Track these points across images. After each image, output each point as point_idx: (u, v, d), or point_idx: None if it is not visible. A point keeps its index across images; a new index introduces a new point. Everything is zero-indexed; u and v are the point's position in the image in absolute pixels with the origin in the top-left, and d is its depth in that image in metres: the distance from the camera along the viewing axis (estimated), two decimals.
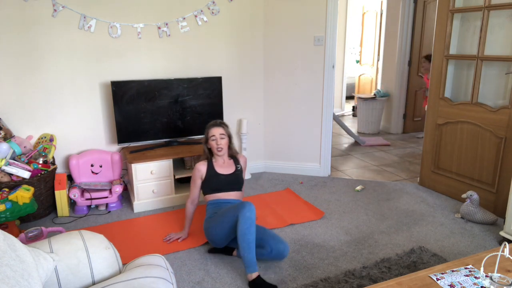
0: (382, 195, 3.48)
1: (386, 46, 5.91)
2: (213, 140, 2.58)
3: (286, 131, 4.00)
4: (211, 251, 2.56)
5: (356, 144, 5.33)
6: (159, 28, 3.42)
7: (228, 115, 3.85)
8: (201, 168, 2.61)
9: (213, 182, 2.59)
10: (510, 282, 1.36)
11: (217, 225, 2.36)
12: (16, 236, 2.52)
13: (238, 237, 2.19)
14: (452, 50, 3.34)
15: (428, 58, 4.84)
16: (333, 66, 3.75)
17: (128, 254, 2.45)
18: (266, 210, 3.15)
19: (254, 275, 2.17)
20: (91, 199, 3.13)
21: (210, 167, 2.61)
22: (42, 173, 2.94)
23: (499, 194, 2.98)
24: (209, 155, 2.66)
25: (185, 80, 3.41)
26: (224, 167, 2.64)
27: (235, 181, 2.63)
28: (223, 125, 2.62)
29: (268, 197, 3.43)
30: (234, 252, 2.52)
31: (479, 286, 1.51)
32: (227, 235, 2.33)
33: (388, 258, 2.43)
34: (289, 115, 3.95)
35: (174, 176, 3.31)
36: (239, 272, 2.33)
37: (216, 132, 2.58)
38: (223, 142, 2.59)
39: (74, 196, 3.08)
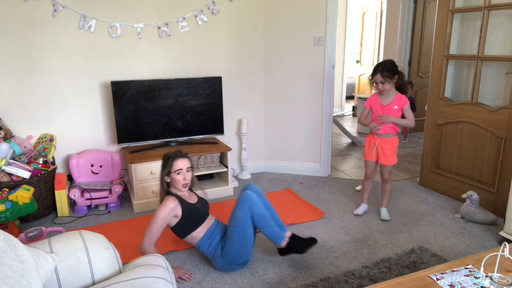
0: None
1: (386, 46, 5.91)
2: (178, 174, 2.22)
3: (286, 131, 4.00)
4: (284, 253, 2.37)
5: (354, 144, 5.33)
6: (159, 28, 3.42)
7: (228, 115, 3.85)
8: (176, 205, 2.20)
9: (194, 215, 2.29)
10: (510, 282, 1.36)
11: (243, 242, 2.24)
12: (16, 236, 2.51)
13: (255, 223, 2.25)
14: (452, 50, 3.33)
15: (390, 69, 2.75)
16: (333, 66, 3.74)
17: (128, 254, 2.44)
18: None
19: (284, 242, 2.29)
20: (91, 199, 3.13)
21: (182, 202, 2.26)
22: (42, 173, 2.94)
23: (499, 194, 2.98)
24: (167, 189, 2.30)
25: (185, 80, 3.41)
26: (189, 197, 2.36)
27: (206, 204, 2.43)
28: (188, 156, 2.29)
29: (268, 197, 3.39)
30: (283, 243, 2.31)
31: (479, 286, 1.51)
32: (254, 236, 2.30)
33: (388, 258, 2.43)
34: (289, 115, 3.95)
35: None
36: (239, 272, 2.33)
37: (183, 165, 2.23)
38: (190, 177, 2.28)
39: (74, 196, 3.08)
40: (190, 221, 2.27)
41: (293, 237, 2.34)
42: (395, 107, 2.82)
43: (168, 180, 2.27)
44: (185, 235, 2.29)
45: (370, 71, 2.87)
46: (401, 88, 2.86)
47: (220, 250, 2.29)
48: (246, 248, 2.26)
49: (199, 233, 2.29)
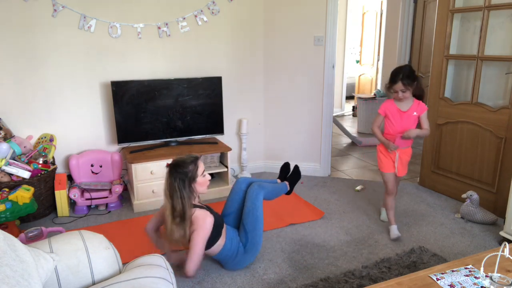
0: (382, 195, 3.47)
1: (386, 46, 5.91)
2: (204, 176, 2.17)
3: (286, 131, 4.00)
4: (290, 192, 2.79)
5: (354, 144, 5.34)
6: (159, 28, 3.42)
7: (228, 115, 3.85)
8: (212, 220, 2.14)
9: (219, 225, 2.22)
10: (510, 282, 1.36)
11: (261, 226, 2.34)
12: (16, 236, 2.51)
13: (268, 198, 2.52)
14: (452, 50, 3.33)
15: (410, 76, 2.53)
16: (333, 66, 3.74)
17: (128, 254, 2.44)
18: (266, 210, 3.15)
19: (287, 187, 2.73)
20: (91, 199, 3.13)
21: (212, 213, 2.21)
22: (42, 173, 2.94)
23: (499, 194, 2.98)
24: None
25: (185, 80, 3.41)
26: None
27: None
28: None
29: None
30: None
31: (479, 286, 1.51)
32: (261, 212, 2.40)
33: (388, 258, 2.43)
34: (289, 115, 3.95)
35: None
36: (239, 272, 2.33)
37: (203, 165, 2.20)
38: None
39: (74, 196, 3.08)
40: (217, 231, 2.19)
41: (286, 179, 2.81)
42: (414, 113, 2.62)
43: (194, 186, 2.11)
44: (209, 247, 2.19)
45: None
46: (418, 93, 2.66)
47: (242, 248, 2.31)
48: (262, 230, 2.37)
49: (222, 240, 2.24)
